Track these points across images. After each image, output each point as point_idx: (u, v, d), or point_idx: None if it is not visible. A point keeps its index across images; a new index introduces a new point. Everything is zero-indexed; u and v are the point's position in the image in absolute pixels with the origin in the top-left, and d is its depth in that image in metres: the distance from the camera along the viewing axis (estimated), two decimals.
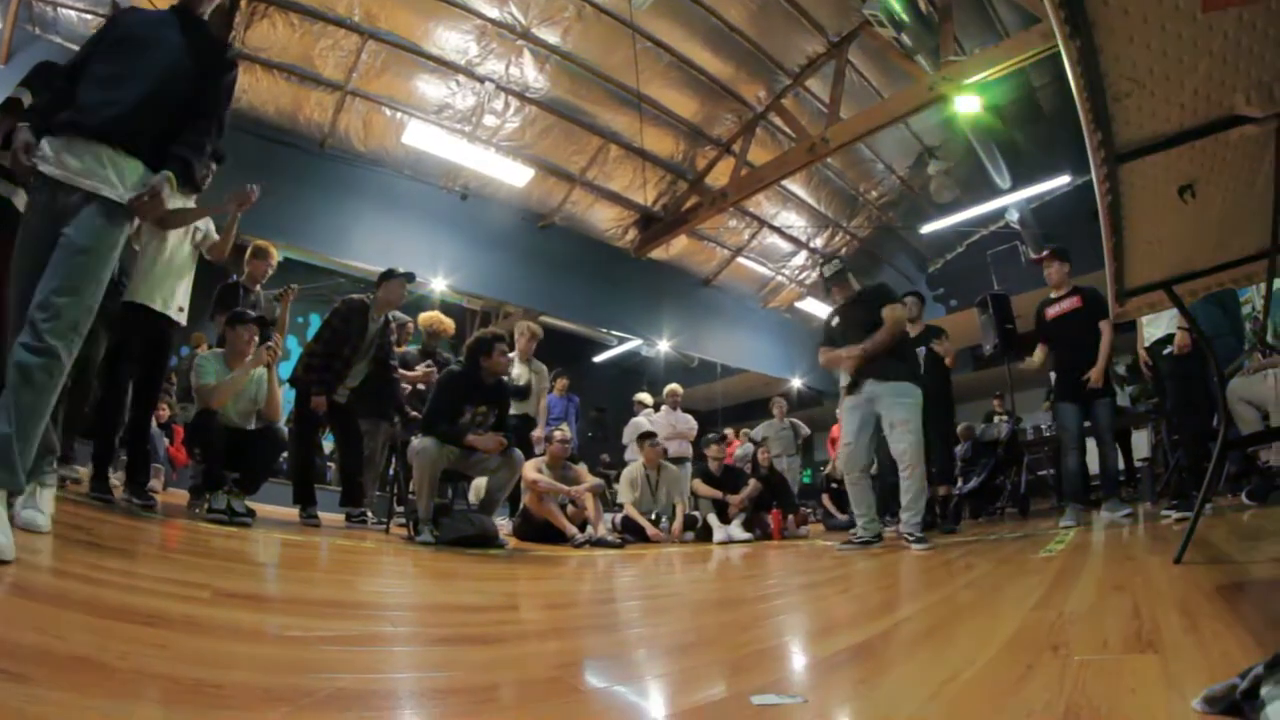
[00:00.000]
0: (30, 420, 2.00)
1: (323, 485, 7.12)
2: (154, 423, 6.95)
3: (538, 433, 6.75)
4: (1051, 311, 5.44)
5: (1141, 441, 7.83)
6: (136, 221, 2.44)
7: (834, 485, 7.66)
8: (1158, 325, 5.11)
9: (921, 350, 6.15)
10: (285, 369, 5.60)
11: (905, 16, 7.64)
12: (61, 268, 2.12)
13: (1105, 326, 5.17)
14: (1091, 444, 5.38)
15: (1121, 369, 7.52)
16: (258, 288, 5.43)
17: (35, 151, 2.26)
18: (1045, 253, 5.60)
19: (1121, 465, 6.79)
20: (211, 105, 2.57)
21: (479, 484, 5.26)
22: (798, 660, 1.61)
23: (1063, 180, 10.36)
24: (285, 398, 5.05)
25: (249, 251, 5.48)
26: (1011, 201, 11.11)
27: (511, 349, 5.74)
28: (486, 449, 4.68)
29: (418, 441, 4.77)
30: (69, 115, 2.29)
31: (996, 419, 8.77)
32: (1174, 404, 5.09)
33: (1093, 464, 5.42)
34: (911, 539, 4.50)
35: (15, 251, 2.26)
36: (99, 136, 2.28)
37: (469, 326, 9.48)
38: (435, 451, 4.60)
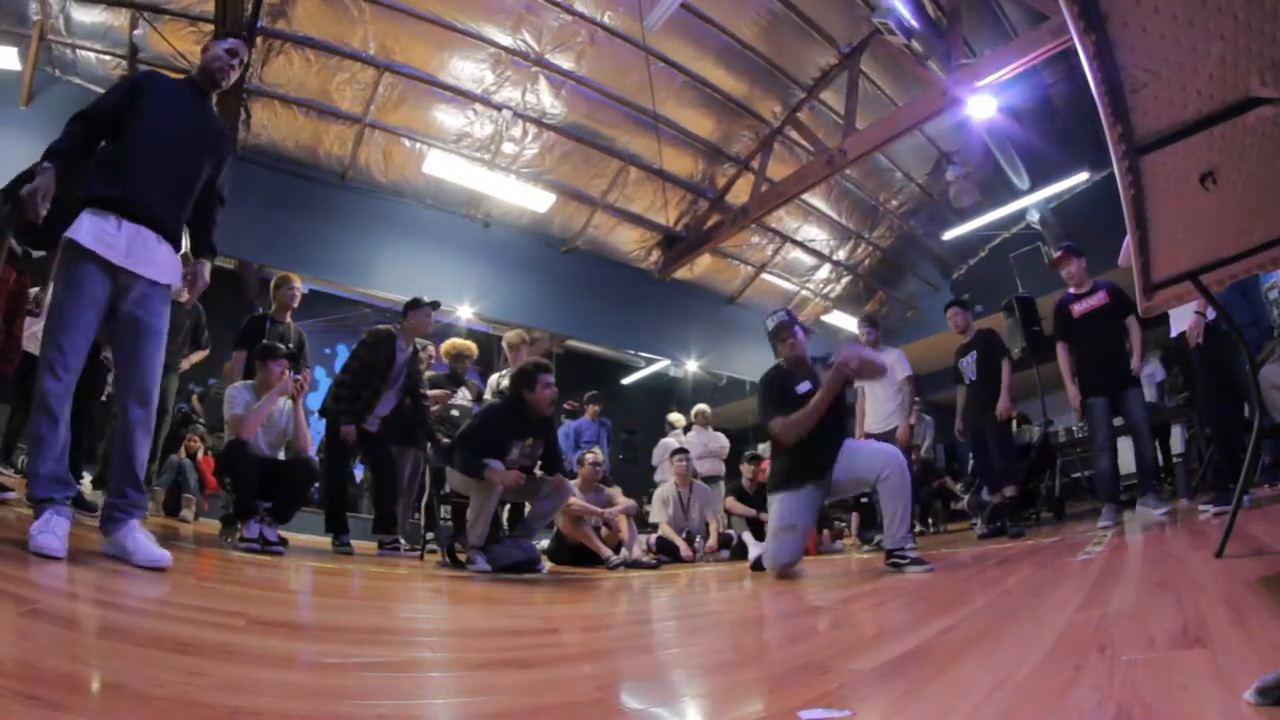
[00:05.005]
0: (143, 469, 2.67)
1: (354, 514, 7.14)
2: (183, 452, 7.09)
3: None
4: (1078, 309, 5.33)
5: (1175, 437, 7.69)
6: None
7: (862, 500, 7.58)
8: (1178, 319, 5.02)
9: (973, 355, 6.21)
10: (315, 400, 5.64)
11: (914, 22, 7.62)
12: (150, 348, 2.65)
13: (1134, 322, 5.10)
14: (1124, 441, 5.30)
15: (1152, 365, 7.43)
16: (288, 317, 5.49)
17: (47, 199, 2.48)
18: (1058, 254, 5.53)
19: (1157, 462, 6.67)
20: (220, 189, 2.99)
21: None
22: (840, 674, 1.57)
23: (1081, 178, 10.26)
24: (315, 428, 5.07)
25: (273, 284, 5.57)
26: (1031, 202, 11.00)
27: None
28: (505, 484, 4.46)
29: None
30: (124, 194, 2.58)
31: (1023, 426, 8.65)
32: (1203, 394, 4.98)
33: (1125, 461, 5.33)
34: (905, 561, 3.68)
35: (69, 305, 2.50)
36: (147, 223, 2.62)
37: (495, 353, 9.51)
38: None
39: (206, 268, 2.93)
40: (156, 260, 2.62)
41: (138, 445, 2.62)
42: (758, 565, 4.66)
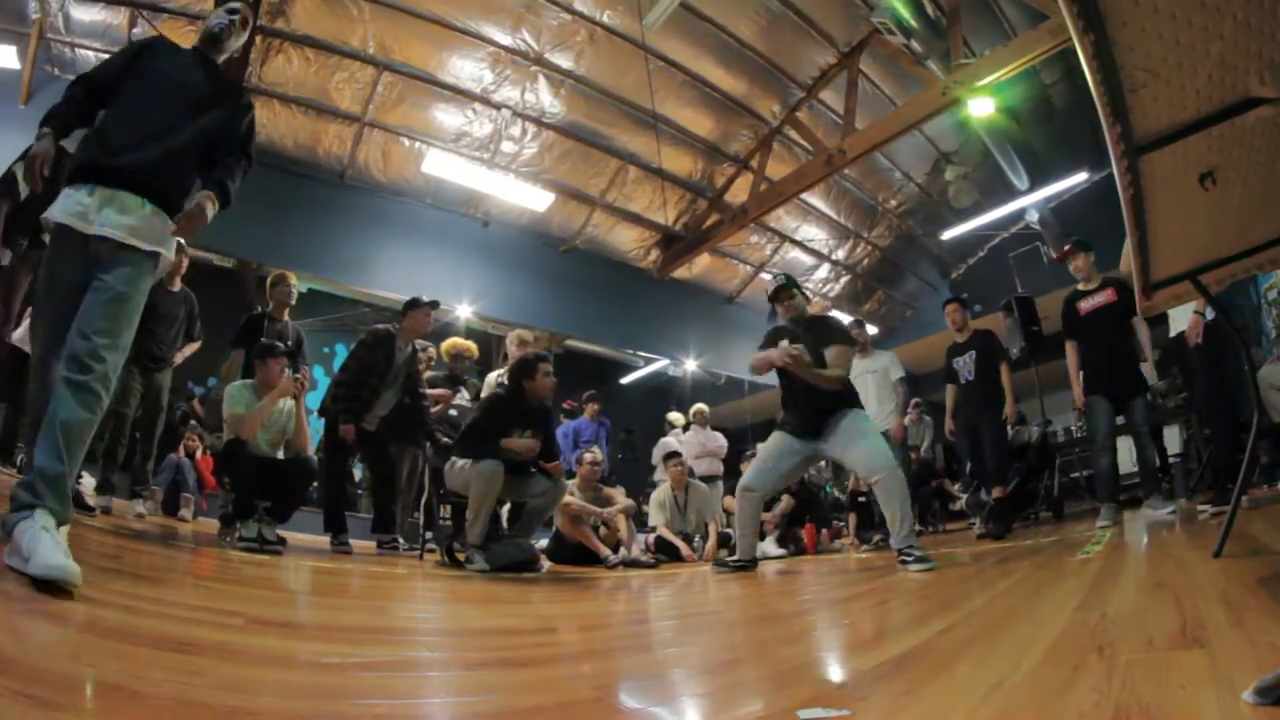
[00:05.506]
0: (78, 452, 2.06)
1: (353, 513, 7.13)
2: (182, 451, 7.09)
3: None
4: (1085, 305, 5.26)
5: (1172, 437, 7.67)
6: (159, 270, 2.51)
7: (860, 499, 7.58)
8: (1177, 319, 5.01)
9: (972, 354, 6.19)
10: (314, 399, 5.63)
11: (913, 22, 7.62)
12: (99, 311, 2.20)
13: (1140, 322, 5.05)
14: (1124, 442, 5.28)
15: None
16: (285, 315, 5.48)
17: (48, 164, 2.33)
18: (1067, 248, 5.45)
19: (1157, 462, 6.67)
20: (238, 144, 2.69)
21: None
22: (839, 674, 1.57)
23: (1080, 177, 10.22)
24: (314, 427, 5.06)
25: (269, 282, 5.57)
26: (1030, 202, 10.99)
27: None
28: (518, 450, 4.51)
29: (469, 463, 4.52)
30: (100, 159, 2.36)
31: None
32: (1201, 394, 4.97)
33: (1124, 462, 5.32)
34: (910, 559, 3.76)
35: (45, 297, 2.33)
36: (129, 188, 2.36)
37: (494, 352, 9.50)
38: (492, 472, 4.39)
39: (209, 207, 2.52)
40: (133, 224, 2.34)
41: (61, 407, 2.04)
42: (722, 564, 4.72)
